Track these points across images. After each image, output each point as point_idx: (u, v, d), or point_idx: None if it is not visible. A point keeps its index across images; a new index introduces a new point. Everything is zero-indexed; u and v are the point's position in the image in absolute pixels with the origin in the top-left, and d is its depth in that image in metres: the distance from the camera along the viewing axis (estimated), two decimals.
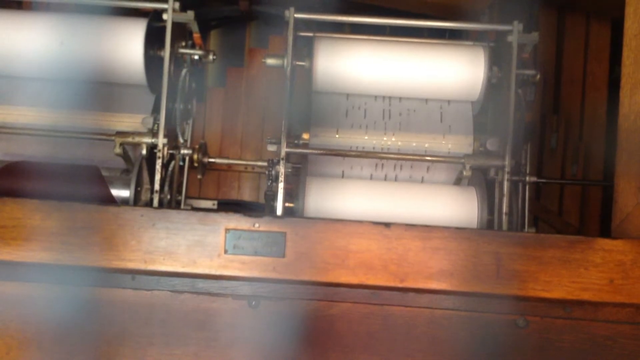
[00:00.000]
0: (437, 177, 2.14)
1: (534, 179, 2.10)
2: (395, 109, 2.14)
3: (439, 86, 2.11)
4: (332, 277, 1.50)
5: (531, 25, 2.12)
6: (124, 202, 1.94)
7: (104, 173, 1.97)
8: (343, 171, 2.12)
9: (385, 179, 2.12)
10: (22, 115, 2.05)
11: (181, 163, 2.20)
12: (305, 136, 2.07)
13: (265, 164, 2.10)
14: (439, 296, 1.54)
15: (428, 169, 2.12)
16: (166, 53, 1.96)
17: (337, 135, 2.10)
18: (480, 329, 1.54)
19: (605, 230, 1.64)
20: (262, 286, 1.54)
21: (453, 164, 2.07)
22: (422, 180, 2.13)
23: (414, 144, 2.09)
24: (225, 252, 1.49)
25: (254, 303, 1.54)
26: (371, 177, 2.12)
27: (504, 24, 2.05)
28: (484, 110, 2.19)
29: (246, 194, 3.22)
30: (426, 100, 2.16)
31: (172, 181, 2.12)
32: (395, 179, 2.12)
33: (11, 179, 1.86)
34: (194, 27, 2.11)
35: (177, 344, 1.54)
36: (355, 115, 2.13)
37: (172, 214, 1.51)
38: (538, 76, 2.06)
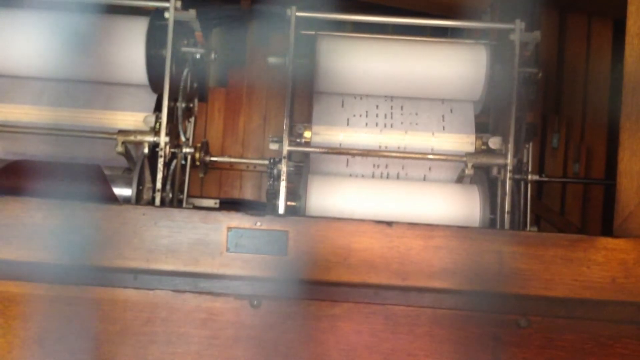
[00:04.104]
0: (439, 175, 2.14)
1: (536, 177, 2.10)
2: (397, 108, 2.14)
3: (441, 85, 2.11)
4: (334, 276, 1.49)
5: (533, 25, 2.12)
6: (126, 200, 1.94)
7: (106, 172, 1.97)
8: (345, 170, 2.12)
9: (387, 177, 2.12)
10: (24, 114, 2.05)
11: (183, 162, 2.20)
12: (307, 134, 2.07)
13: (267, 162, 2.10)
14: (441, 295, 1.54)
15: (430, 167, 2.12)
16: (168, 52, 1.96)
17: (339, 134, 2.10)
18: (482, 329, 1.54)
19: (607, 229, 1.64)
20: (264, 285, 1.54)
21: (455, 163, 2.07)
22: (424, 179, 2.13)
23: (416, 143, 2.09)
24: (227, 250, 1.49)
25: (255, 302, 1.54)
26: (373, 176, 2.12)
27: (505, 22, 2.05)
28: (486, 109, 2.19)
29: (248, 193, 3.22)
30: (428, 99, 2.16)
31: (174, 180, 2.12)
32: (397, 178, 2.12)
33: (13, 178, 1.86)
34: (196, 26, 2.11)
35: (179, 342, 1.54)
36: (357, 113, 2.13)
37: (174, 212, 1.51)
38: (540, 74, 2.06)
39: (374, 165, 2.11)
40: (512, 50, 1.98)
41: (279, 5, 2.09)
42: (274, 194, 1.99)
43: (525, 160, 2.12)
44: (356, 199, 2.01)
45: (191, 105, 2.27)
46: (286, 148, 1.96)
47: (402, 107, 2.15)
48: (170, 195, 2.10)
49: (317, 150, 2.04)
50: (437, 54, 2.12)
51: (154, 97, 2.09)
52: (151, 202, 1.95)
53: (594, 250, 1.50)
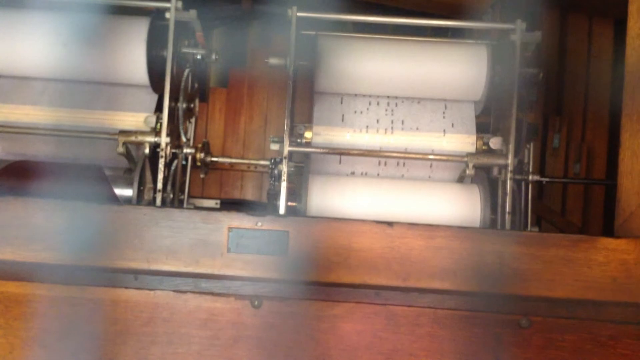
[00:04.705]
0: (441, 175, 2.13)
1: (536, 177, 2.10)
2: (398, 108, 2.14)
3: (442, 85, 2.10)
4: (334, 276, 1.49)
5: (534, 25, 2.12)
6: (127, 201, 1.94)
7: (107, 172, 1.97)
8: (346, 170, 2.12)
9: (388, 177, 2.12)
10: (25, 114, 2.05)
11: (184, 162, 2.20)
12: (308, 135, 2.07)
13: (267, 163, 2.10)
14: (441, 295, 1.54)
15: (431, 167, 2.12)
16: (169, 52, 1.96)
17: (339, 135, 2.10)
18: (483, 329, 1.54)
19: (608, 229, 1.63)
20: (265, 285, 1.54)
21: (456, 163, 2.07)
22: (425, 179, 2.13)
23: (417, 143, 2.09)
24: (228, 250, 1.49)
25: (256, 302, 1.54)
26: (374, 176, 2.12)
27: (506, 22, 2.05)
28: (487, 109, 2.19)
29: (249, 193, 3.22)
30: (429, 100, 2.15)
31: (174, 180, 2.12)
32: (398, 178, 2.12)
33: (14, 178, 1.86)
34: (197, 26, 2.11)
35: (180, 343, 1.54)
36: (358, 114, 2.13)
37: (175, 213, 1.50)
38: (541, 74, 2.06)
39: (375, 166, 2.11)
40: (513, 50, 1.98)
41: (279, 5, 2.09)
42: (275, 194, 1.99)
43: (526, 160, 2.12)
44: (357, 199, 2.01)
45: (192, 105, 2.27)
46: (287, 148, 1.96)
47: (403, 108, 2.14)
48: (171, 195, 2.10)
49: (318, 150, 2.04)
50: (438, 54, 2.12)
51: (154, 98, 2.09)
52: (152, 203, 1.95)
53: (595, 250, 1.50)
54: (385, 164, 2.11)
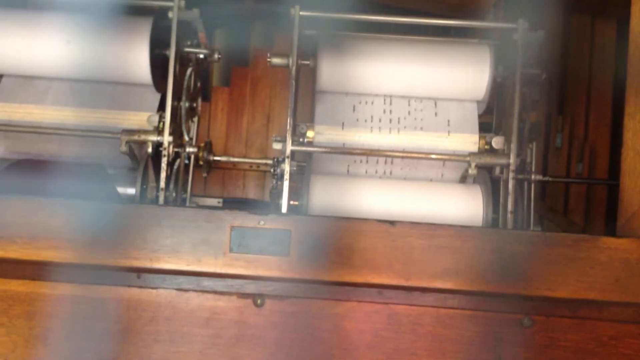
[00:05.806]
0: (443, 175, 2.13)
1: (539, 177, 2.10)
2: (400, 108, 2.14)
3: (444, 84, 2.10)
4: (336, 275, 1.49)
5: (536, 24, 2.12)
6: (130, 200, 1.94)
7: (110, 171, 1.98)
8: (348, 169, 2.12)
9: (390, 177, 2.12)
10: (28, 113, 2.05)
11: (186, 161, 2.21)
12: (310, 134, 2.07)
13: (270, 162, 2.10)
14: (443, 295, 1.54)
15: (433, 167, 2.12)
16: (172, 51, 1.96)
17: (342, 134, 2.10)
18: (485, 328, 1.54)
19: (611, 229, 1.63)
20: (267, 284, 1.54)
21: (458, 163, 2.07)
22: (428, 179, 2.13)
23: (419, 142, 2.09)
24: (231, 250, 1.49)
25: (259, 301, 1.54)
26: (376, 175, 2.12)
27: (509, 22, 2.05)
28: (490, 109, 2.19)
29: (251, 192, 3.23)
30: (431, 99, 2.15)
31: (177, 179, 2.13)
32: (400, 178, 2.12)
33: (18, 177, 1.86)
34: (199, 26, 2.11)
35: (182, 341, 1.54)
36: (360, 113, 2.13)
37: (178, 211, 1.51)
38: (544, 75, 2.06)
39: (377, 165, 2.11)
40: (515, 50, 1.98)
41: (282, 4, 2.09)
42: (277, 193, 1.99)
43: (528, 160, 2.12)
44: (359, 198, 2.01)
45: (194, 104, 2.27)
46: (289, 148, 1.96)
47: (405, 107, 2.15)
48: (174, 194, 2.10)
49: (320, 150, 2.04)
50: (441, 53, 2.12)
51: (157, 97, 2.10)
52: (155, 202, 1.96)
53: (597, 250, 1.49)
54: (387, 163, 2.11)
